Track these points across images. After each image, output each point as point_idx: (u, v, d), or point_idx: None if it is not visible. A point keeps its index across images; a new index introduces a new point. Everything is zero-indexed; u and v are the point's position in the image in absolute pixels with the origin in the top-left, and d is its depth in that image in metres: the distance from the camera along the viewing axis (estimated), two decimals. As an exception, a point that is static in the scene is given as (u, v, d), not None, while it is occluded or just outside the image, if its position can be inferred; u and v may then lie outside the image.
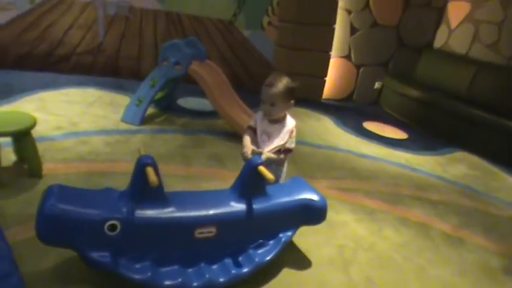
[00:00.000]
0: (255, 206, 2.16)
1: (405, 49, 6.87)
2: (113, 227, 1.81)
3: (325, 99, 6.87)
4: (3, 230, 2.16)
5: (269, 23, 6.63)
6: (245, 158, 2.26)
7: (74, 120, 4.13)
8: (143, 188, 1.88)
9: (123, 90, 5.40)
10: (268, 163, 2.31)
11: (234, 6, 6.45)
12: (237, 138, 4.12)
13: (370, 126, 5.67)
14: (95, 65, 6.21)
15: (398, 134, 5.51)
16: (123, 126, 4.18)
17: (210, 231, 2.03)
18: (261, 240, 2.23)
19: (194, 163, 3.56)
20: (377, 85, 6.96)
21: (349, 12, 6.54)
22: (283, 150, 2.40)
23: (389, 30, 6.72)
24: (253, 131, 2.43)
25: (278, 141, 2.37)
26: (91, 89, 5.28)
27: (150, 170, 1.83)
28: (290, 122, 2.43)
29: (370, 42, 6.72)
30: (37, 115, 3.77)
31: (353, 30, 6.65)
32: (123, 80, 5.96)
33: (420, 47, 6.81)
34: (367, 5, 6.51)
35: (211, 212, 2.05)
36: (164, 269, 1.95)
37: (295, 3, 6.16)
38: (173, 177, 3.16)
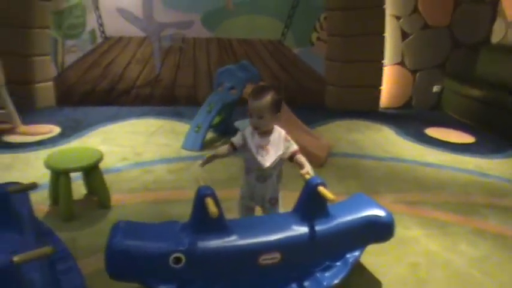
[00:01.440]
0: (318, 228, 2.11)
1: (461, 48, 6.58)
2: (177, 260, 1.86)
3: (383, 108, 6.70)
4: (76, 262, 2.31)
5: (318, 38, 6.61)
6: (200, 165, 2.28)
7: (138, 150, 4.32)
8: (204, 218, 1.91)
9: (182, 117, 5.59)
10: (270, 174, 2.29)
11: (281, 26, 6.50)
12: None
13: (433, 132, 5.44)
14: (154, 95, 6.49)
15: (465, 138, 5.23)
16: (185, 153, 4.31)
17: (274, 257, 2.01)
18: (327, 263, 2.18)
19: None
20: (436, 88, 6.70)
21: (397, 18, 6.39)
22: (292, 155, 2.31)
23: (442, 30, 6.48)
24: (232, 148, 2.31)
25: (277, 152, 2.27)
26: (152, 119, 5.51)
27: (209, 201, 1.86)
28: (279, 130, 2.35)
29: (424, 46, 6.50)
30: (103, 148, 4.02)
31: (404, 35, 6.47)
32: (181, 107, 6.17)
33: (476, 44, 6.48)
34: (415, 8, 6.34)
35: (274, 237, 2.03)
36: None
37: (342, 16, 6.13)
38: (234, 201, 3.17)
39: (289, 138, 2.33)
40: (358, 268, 2.43)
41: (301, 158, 2.30)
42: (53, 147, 4.22)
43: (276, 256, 2.01)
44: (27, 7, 5.40)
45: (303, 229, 2.10)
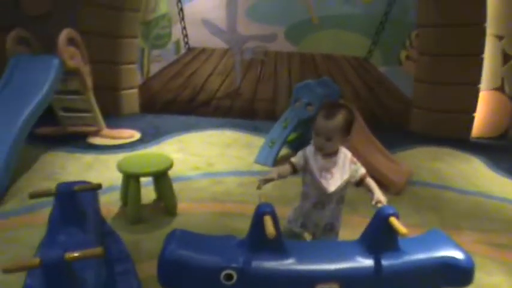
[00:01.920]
0: (384, 262, 1.91)
1: None
2: (229, 277, 1.77)
3: (475, 137, 6.18)
4: (135, 264, 2.33)
5: (407, 57, 6.29)
6: (259, 181, 2.07)
7: (211, 161, 4.36)
8: (261, 237, 1.80)
9: (259, 131, 5.59)
10: (330, 201, 2.11)
11: (368, 43, 6.28)
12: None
13: (531, 168, 4.88)
14: (233, 108, 6.59)
15: None
16: (257, 167, 4.28)
17: None
18: None
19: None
20: (537, 119, 6.05)
21: (500, 38, 5.89)
22: (361, 179, 2.12)
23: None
24: (293, 168, 2.12)
25: (342, 175, 2.08)
26: (229, 131, 5.59)
27: (267, 220, 1.76)
28: (344, 151, 2.13)
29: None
30: (178, 156, 4.11)
31: (506, 58, 5.94)
32: (258, 121, 6.19)
33: None
34: (522, 28, 5.79)
35: (334, 266, 1.88)
36: None
37: (435, 34, 5.79)
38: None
39: (355, 160, 2.15)
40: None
41: (371, 183, 2.12)
42: (132, 151, 4.42)
43: (334, 287, 1.85)
44: (118, 18, 5.78)
45: (367, 261, 1.91)
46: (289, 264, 1.86)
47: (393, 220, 1.85)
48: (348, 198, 3.60)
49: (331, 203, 2.15)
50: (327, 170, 2.08)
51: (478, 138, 6.18)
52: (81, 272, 1.69)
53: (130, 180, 2.92)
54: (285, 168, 2.12)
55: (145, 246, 2.68)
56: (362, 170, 2.13)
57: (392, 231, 1.86)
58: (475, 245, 2.97)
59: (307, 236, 2.31)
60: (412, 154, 5.17)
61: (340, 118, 2.02)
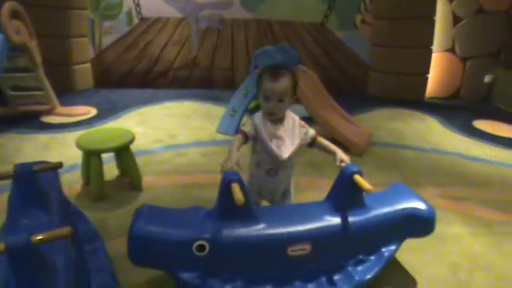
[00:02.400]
0: (352, 219, 1.99)
1: (519, 35, 6.14)
2: (201, 248, 1.78)
3: (429, 98, 6.42)
4: (105, 242, 2.29)
5: (362, 21, 6.36)
6: (224, 169, 1.89)
7: (172, 133, 4.31)
8: (230, 205, 1.80)
9: (218, 101, 5.55)
10: (285, 166, 2.12)
11: (324, 8, 6.28)
12: (335, 144, 3.98)
13: (482, 125, 5.15)
14: (191, 78, 6.47)
15: (517, 133, 4.91)
16: (219, 137, 4.26)
17: (303, 249, 1.90)
18: (361, 256, 2.05)
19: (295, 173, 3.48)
20: (487, 78, 6.33)
21: (450, 0, 6.05)
22: (312, 140, 2.15)
23: (499, 15, 6.08)
24: (245, 137, 2.05)
25: (293, 141, 2.09)
26: (188, 102, 5.51)
27: (235, 187, 1.75)
28: (292, 116, 2.15)
29: (477, 32, 6.13)
30: (138, 129, 4.01)
31: (456, 19, 6.12)
32: (217, 90, 6.13)
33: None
34: (471, -10, 5.96)
35: (304, 227, 1.92)
36: None
37: (390, -2, 5.85)
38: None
39: (303, 123, 2.16)
40: (395, 266, 2.31)
41: (324, 141, 2.17)
42: (90, 128, 4.27)
43: (306, 247, 1.91)
44: (64, -12, 5.45)
45: (336, 220, 1.98)
46: (260, 229, 1.88)
47: (357, 177, 1.91)
48: (315, 162, 3.71)
49: (286, 169, 2.16)
50: (278, 137, 2.07)
51: (432, 98, 6.41)
52: (50, 255, 1.63)
53: (92, 157, 2.82)
54: (238, 142, 2.02)
55: (113, 223, 2.63)
56: (312, 131, 2.16)
57: (357, 189, 1.92)
58: (435, 199, 3.12)
59: (265, 204, 2.33)
60: (371, 116, 5.31)
61: (287, 78, 2.02)
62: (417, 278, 2.25)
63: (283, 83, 2.01)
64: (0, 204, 2.69)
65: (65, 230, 1.52)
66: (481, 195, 3.28)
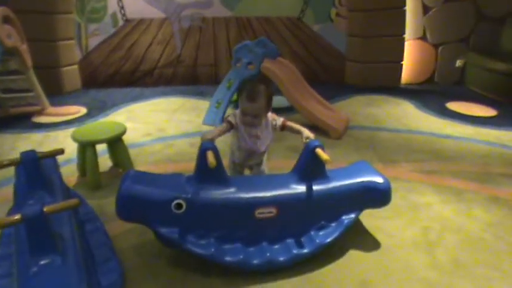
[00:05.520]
0: (313, 188, 2.24)
1: (486, 21, 6.42)
2: (179, 206, 2.02)
3: (405, 84, 6.65)
4: (104, 224, 2.48)
5: (337, 14, 6.59)
6: (203, 139, 2.20)
7: (161, 126, 4.49)
8: (206, 171, 2.06)
9: (203, 95, 5.73)
10: (261, 153, 2.49)
11: (300, 3, 6.51)
12: (315, 130, 4.15)
13: (455, 106, 5.38)
14: (176, 75, 6.64)
15: (487, 112, 5.16)
16: (206, 128, 4.43)
17: (270, 212, 2.14)
18: (323, 222, 2.29)
19: (273, 156, 3.66)
20: (459, 63, 6.59)
21: (419, -10, 6.31)
22: (282, 126, 2.46)
23: (466, 3, 6.34)
24: (230, 126, 2.39)
25: (268, 135, 2.46)
26: (174, 98, 5.69)
27: (209, 154, 2.02)
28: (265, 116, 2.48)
29: (446, 19, 6.40)
30: (128, 125, 4.13)
31: (426, 8, 6.39)
32: (202, 86, 6.33)
33: (502, 16, 6.31)
34: (438, -20, 6.22)
35: (270, 193, 2.17)
36: (227, 246, 2.11)
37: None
38: (253, 171, 3.30)
39: (274, 116, 2.47)
40: (371, 229, 2.53)
41: (293, 124, 2.46)
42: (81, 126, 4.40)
43: (272, 211, 2.15)
44: (51, -7, 5.57)
45: (299, 188, 2.23)
46: (231, 192, 2.14)
47: (319, 151, 2.18)
48: (296, 147, 3.90)
49: (261, 153, 2.51)
50: (254, 135, 2.41)
51: (407, 84, 6.66)
52: (57, 227, 1.82)
53: (87, 148, 3.00)
54: (223, 126, 2.39)
55: (110, 208, 2.74)
56: (280, 119, 2.47)
57: (319, 161, 2.18)
58: (410, 174, 3.36)
59: (247, 171, 2.68)
60: (349, 103, 5.53)
61: (262, 99, 2.30)
62: (393, 240, 2.46)
63: (258, 103, 2.30)
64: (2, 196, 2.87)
65: (73, 201, 1.71)
66: (453, 168, 3.50)
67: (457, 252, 2.38)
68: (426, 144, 4.05)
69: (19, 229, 1.75)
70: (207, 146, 2.08)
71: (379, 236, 2.51)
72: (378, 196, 2.38)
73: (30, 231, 1.63)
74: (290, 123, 2.47)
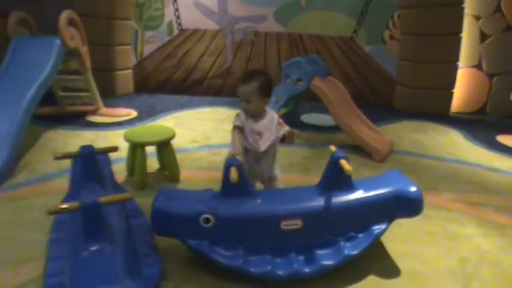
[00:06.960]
0: (339, 199, 2.26)
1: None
2: (207, 220, 2.12)
3: (454, 112, 6.52)
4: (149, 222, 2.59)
5: (391, 37, 6.58)
6: (230, 156, 2.25)
7: (207, 135, 4.63)
8: (231, 186, 2.15)
9: (250, 108, 5.82)
10: (266, 154, 2.44)
11: (353, 23, 6.54)
12: (358, 150, 4.22)
13: (506, 139, 5.21)
14: (225, 86, 6.83)
15: (539, 148, 4.97)
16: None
17: (296, 224, 2.18)
18: (352, 233, 2.29)
19: (313, 172, 3.69)
20: (514, 95, 6.39)
21: (477, 18, 6.20)
22: (283, 137, 2.47)
23: (526, 33, 6.16)
24: (241, 130, 2.41)
25: (271, 136, 2.42)
26: (221, 108, 5.86)
27: (232, 170, 2.10)
28: (272, 113, 2.47)
29: (504, 48, 6.23)
30: (175, 130, 4.31)
31: (483, 36, 6.26)
32: (249, 99, 6.44)
33: None
34: (498, 8, 6.09)
35: (295, 205, 2.23)
36: (254, 258, 2.16)
37: (417, 14, 6.06)
38: (291, 185, 3.32)
39: (281, 121, 2.49)
40: (408, 256, 2.50)
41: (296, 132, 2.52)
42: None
43: (298, 222, 2.18)
44: (112, 0, 5.92)
45: (324, 199, 2.26)
46: (256, 206, 2.21)
47: (342, 161, 2.21)
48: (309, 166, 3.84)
49: (267, 158, 2.49)
50: (256, 132, 2.41)
51: (457, 113, 6.51)
52: (109, 218, 1.96)
53: (137, 148, 3.16)
54: (238, 135, 2.39)
55: None
56: (285, 129, 2.48)
57: (343, 172, 2.20)
58: (452, 204, 3.28)
59: (259, 186, 2.67)
60: (395, 127, 5.48)
61: (254, 83, 2.33)
62: (429, 268, 2.41)
63: (249, 86, 2.34)
64: (52, 187, 3.09)
65: (126, 194, 1.84)
66: (497, 202, 3.38)
67: (493, 286, 2.31)
68: (471, 176, 3.95)
69: (74, 217, 1.89)
70: (230, 162, 2.16)
71: (415, 262, 2.47)
72: (410, 205, 2.35)
73: (86, 219, 1.78)
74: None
